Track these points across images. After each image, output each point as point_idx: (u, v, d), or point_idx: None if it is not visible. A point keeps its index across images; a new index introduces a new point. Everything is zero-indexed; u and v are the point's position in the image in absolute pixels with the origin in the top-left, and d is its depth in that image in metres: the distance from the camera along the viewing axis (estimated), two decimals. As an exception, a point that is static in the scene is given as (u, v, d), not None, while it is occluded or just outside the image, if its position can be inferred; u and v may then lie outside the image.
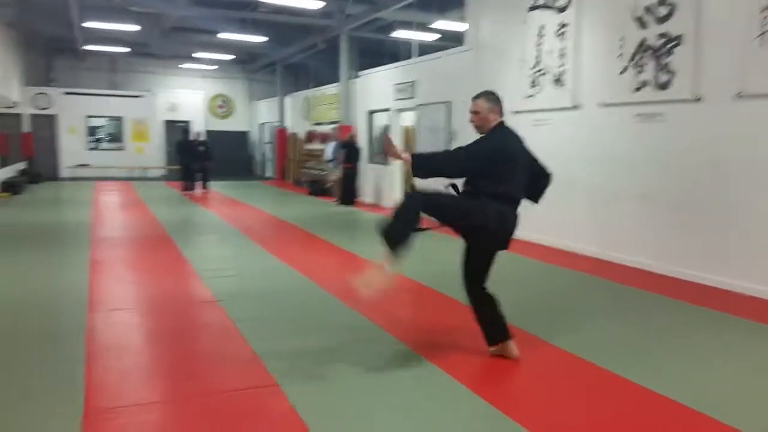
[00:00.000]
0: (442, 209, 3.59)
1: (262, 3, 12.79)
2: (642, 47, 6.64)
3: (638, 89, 6.71)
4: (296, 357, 3.80)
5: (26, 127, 18.69)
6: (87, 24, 14.12)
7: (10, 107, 17.47)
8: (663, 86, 6.43)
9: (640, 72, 6.68)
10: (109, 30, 15.24)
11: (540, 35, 8.17)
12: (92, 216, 10.31)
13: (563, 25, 7.77)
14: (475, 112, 3.76)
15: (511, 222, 3.69)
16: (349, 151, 12.74)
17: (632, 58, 6.76)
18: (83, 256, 6.83)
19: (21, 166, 17.13)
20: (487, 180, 3.57)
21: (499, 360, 3.82)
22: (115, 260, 6.76)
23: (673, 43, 6.28)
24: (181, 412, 3.07)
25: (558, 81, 7.90)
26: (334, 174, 13.64)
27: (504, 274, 6.38)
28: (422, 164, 3.63)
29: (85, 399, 3.14)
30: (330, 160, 13.84)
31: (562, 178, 7.88)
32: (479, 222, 3.55)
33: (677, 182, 6.38)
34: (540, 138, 8.24)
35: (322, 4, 11.65)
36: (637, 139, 6.81)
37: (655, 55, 6.50)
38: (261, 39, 15.77)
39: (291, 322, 4.54)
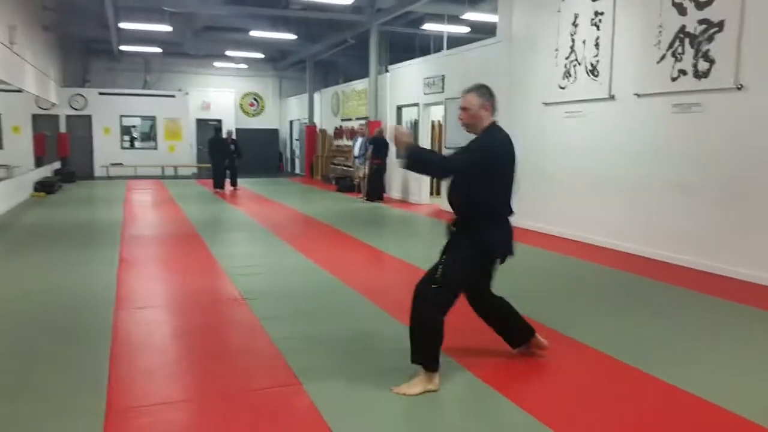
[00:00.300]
0: (457, 287, 3.29)
1: (293, 0, 12.79)
2: (681, 35, 6.38)
3: (676, 78, 6.45)
4: (320, 356, 3.72)
5: (63, 127, 19.08)
6: (122, 25, 14.32)
7: (48, 109, 17.86)
8: (702, 75, 6.17)
9: (678, 61, 6.42)
10: (143, 30, 15.45)
11: (574, 24, 7.94)
12: (123, 214, 10.43)
13: (598, 14, 7.53)
14: (464, 108, 3.34)
15: (510, 239, 3.42)
16: (377, 147, 12.64)
17: (670, 47, 6.50)
18: (113, 253, 6.87)
19: (56, 165, 17.48)
20: (482, 189, 3.25)
21: (528, 360, 3.68)
22: (144, 258, 6.78)
23: (714, 30, 6.01)
24: (205, 411, 3.01)
25: (592, 71, 7.66)
26: (361, 170, 13.57)
27: (538, 272, 6.28)
28: (415, 157, 3.19)
29: (108, 397, 3.10)
30: (358, 156, 13.76)
31: (596, 171, 7.70)
32: (493, 263, 3.45)
33: (718, 175, 6.11)
34: (572, 130, 8.06)
35: (352, -1, 11.58)
36: (675, 131, 6.56)
37: (694, 43, 6.23)
38: (291, 36, 15.77)
39: (317, 321, 4.46)
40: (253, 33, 15.41)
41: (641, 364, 3.60)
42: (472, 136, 3.35)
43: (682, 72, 6.37)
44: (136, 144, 20.83)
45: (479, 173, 3.21)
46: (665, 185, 6.69)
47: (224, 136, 15.35)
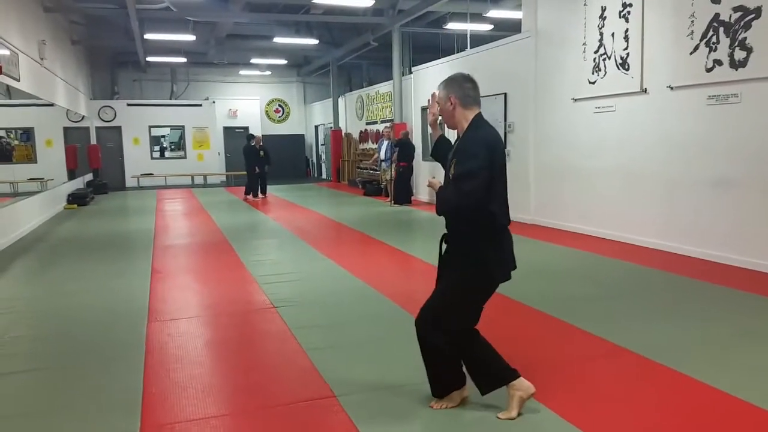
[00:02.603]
0: (463, 317, 2.95)
1: (314, 4, 12.79)
2: (714, 23, 6.17)
3: (711, 69, 6.24)
4: (354, 367, 3.65)
5: (93, 139, 19.41)
6: (147, 36, 14.50)
7: (79, 121, 18.19)
8: (739, 64, 5.95)
9: (712, 51, 6.21)
10: (168, 41, 15.63)
11: (602, 17, 7.76)
12: (155, 224, 10.53)
13: (626, 5, 7.34)
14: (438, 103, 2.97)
15: (511, 255, 2.95)
16: (402, 150, 12.55)
17: (704, 36, 6.30)
18: (145, 264, 6.91)
19: (88, 177, 17.78)
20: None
21: (566, 366, 3.56)
22: (176, 268, 6.81)
23: (751, 17, 5.80)
24: (240, 427, 2.96)
25: (623, 65, 7.47)
26: (388, 173, 13.49)
27: (572, 274, 6.13)
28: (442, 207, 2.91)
29: (142, 414, 3.08)
30: (384, 160, 13.69)
31: (629, 167, 7.50)
32: (494, 288, 2.95)
33: (758, 168, 5.88)
34: (603, 126, 7.87)
35: (373, 1, 11.52)
36: (711, 123, 6.34)
37: (729, 32, 6.02)
38: (313, 42, 15.79)
39: (349, 330, 4.39)
40: (277, 39, 15.46)
41: (683, 368, 3.45)
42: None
43: (718, 62, 6.16)
44: (166, 153, 21.09)
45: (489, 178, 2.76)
46: (702, 181, 6.48)
47: (252, 143, 15.41)
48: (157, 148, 20.96)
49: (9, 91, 10.90)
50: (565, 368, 3.56)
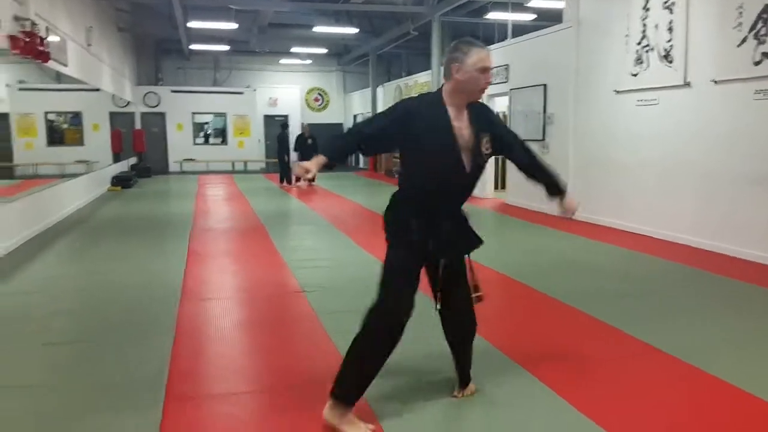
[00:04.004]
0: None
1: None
2: (764, 15, 5.95)
3: (759, 63, 6.02)
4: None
5: (138, 124, 19.91)
6: (190, 24, 14.76)
7: (124, 106, 18.70)
8: (789, 57, 5.73)
9: (761, 43, 5.99)
10: (211, 29, 15.89)
11: (645, 8, 7.56)
12: (194, 208, 10.76)
13: (671, -4, 7.13)
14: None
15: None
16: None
17: (752, 28, 6.08)
18: (183, 246, 7.08)
19: (133, 161, 18.27)
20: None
21: (591, 362, 3.52)
22: (212, 251, 6.95)
23: (802, 8, 5.57)
24: (261, 403, 3.03)
25: (666, 57, 7.27)
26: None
27: (605, 270, 6.03)
28: None
29: (167, 387, 3.17)
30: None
31: (670, 162, 7.31)
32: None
33: (806, 165, 5.66)
34: (645, 119, 7.69)
35: (413, -11, 11.48)
36: (757, 119, 6.13)
37: (779, 23, 5.79)
38: (352, 30, 15.82)
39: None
40: (316, 28, 15.53)
41: (714, 369, 3.37)
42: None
43: (766, 55, 5.94)
44: (208, 140, 21.47)
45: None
46: (745, 177, 6.27)
47: (300, 131, 15.49)
48: (200, 134, 21.36)
49: (59, 76, 11.29)
50: (591, 366, 3.51)
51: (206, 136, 21.39)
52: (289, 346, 3.88)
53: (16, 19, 7.24)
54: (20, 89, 16.87)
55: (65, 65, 9.63)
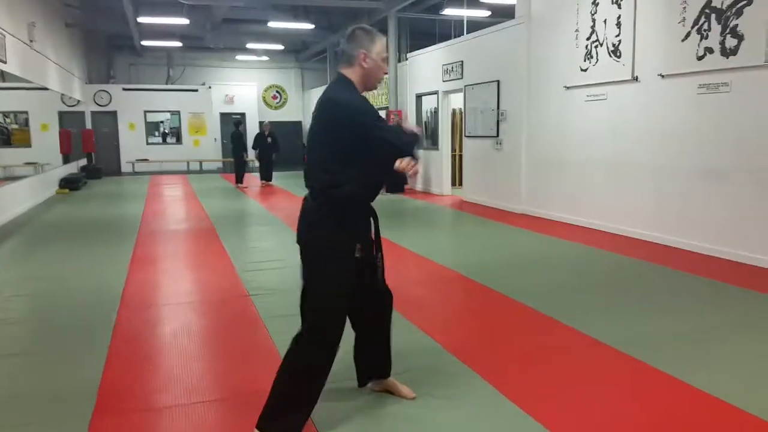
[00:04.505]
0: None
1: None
2: (706, 10, 6.03)
3: (702, 57, 6.11)
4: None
5: (88, 124, 19.29)
6: (141, 19, 14.34)
7: (74, 106, 18.07)
8: (730, 52, 5.82)
9: (704, 38, 6.08)
10: (163, 24, 15.47)
11: (594, 3, 7.61)
12: (143, 210, 10.44)
13: (618, -8, 7.19)
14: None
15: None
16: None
17: (695, 23, 6.16)
18: (127, 250, 6.83)
19: (83, 162, 17.69)
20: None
21: (541, 361, 3.48)
22: (156, 255, 6.72)
23: (743, 3, 5.66)
24: (199, 416, 2.88)
25: (615, 52, 7.33)
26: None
27: (556, 265, 6.04)
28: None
29: (96, 400, 3.00)
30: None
31: (618, 156, 7.38)
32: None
33: (749, 159, 5.77)
34: (595, 114, 7.76)
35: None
36: (702, 113, 6.22)
37: (721, 18, 5.88)
38: (308, 26, 15.63)
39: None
40: (272, 24, 15.28)
41: (659, 363, 3.37)
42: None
43: (709, 50, 6.03)
44: (161, 139, 20.94)
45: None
46: (693, 171, 6.36)
47: (239, 128, 15.23)
48: (155, 133, 20.81)
49: (2, 75, 10.81)
50: (537, 361, 3.47)
51: (163, 135, 20.86)
52: (230, 353, 3.73)
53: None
54: (-40, 89, 16.22)
55: (4, 62, 9.22)
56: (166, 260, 6.46)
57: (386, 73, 2.69)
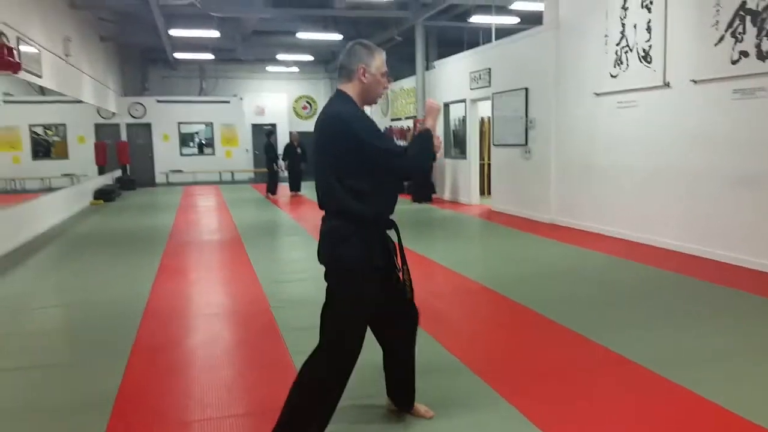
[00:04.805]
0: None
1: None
2: (741, 12, 5.83)
3: (737, 61, 5.90)
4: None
5: (123, 136, 19.70)
6: (172, 32, 14.60)
7: (109, 118, 18.52)
8: (767, 56, 5.59)
9: (738, 41, 5.87)
10: (194, 37, 15.72)
11: (624, 8, 7.44)
12: (174, 221, 10.57)
13: (648, -4, 7.01)
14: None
15: None
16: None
17: (729, 26, 5.95)
18: (154, 261, 6.89)
19: (117, 173, 18.06)
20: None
21: (565, 380, 3.35)
22: (183, 266, 6.77)
23: (779, 5, 5.44)
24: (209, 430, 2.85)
25: (645, 57, 7.14)
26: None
27: (582, 276, 5.87)
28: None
29: (112, 413, 3.00)
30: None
31: (649, 165, 7.17)
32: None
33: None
34: (625, 121, 7.57)
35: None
36: (736, 119, 6.00)
37: (757, 21, 5.67)
38: (336, 37, 15.70)
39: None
40: (300, 35, 15.40)
41: (688, 382, 3.21)
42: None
43: (744, 54, 5.82)
44: (195, 150, 21.27)
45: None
46: (726, 179, 6.13)
47: (271, 139, 15.36)
48: (191, 144, 21.14)
49: (42, 89, 11.10)
50: (561, 380, 3.35)
51: (199, 146, 21.19)
52: (250, 367, 3.70)
53: (-18, 30, 7.09)
54: (5, 101, 16.74)
55: (39, 76, 9.46)
56: (191, 271, 6.50)
57: (386, 88, 2.69)
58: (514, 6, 12.26)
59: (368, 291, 2.55)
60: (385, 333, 2.82)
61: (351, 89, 2.58)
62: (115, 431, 2.84)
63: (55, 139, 18.44)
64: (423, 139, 2.59)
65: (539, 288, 5.43)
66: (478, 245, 8.15)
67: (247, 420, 2.96)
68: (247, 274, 6.21)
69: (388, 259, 2.64)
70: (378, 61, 2.59)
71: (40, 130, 18.28)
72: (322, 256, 2.61)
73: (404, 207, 11.98)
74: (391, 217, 2.69)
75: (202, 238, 8.75)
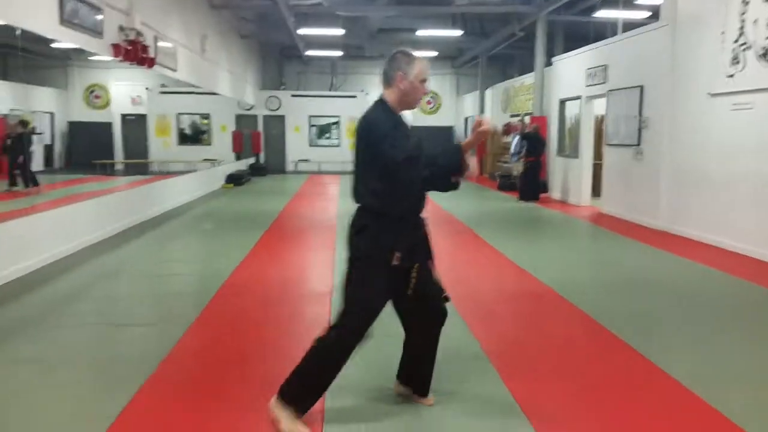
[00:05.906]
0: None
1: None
2: None
3: None
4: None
5: (260, 126, 21.19)
6: (300, 31, 15.45)
7: (249, 109, 20.05)
8: None
9: None
10: (323, 35, 16.50)
11: (745, 2, 6.81)
12: (285, 205, 11.26)
13: (770, -13, 6.37)
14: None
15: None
16: (530, 144, 12.05)
17: None
18: (250, 241, 7.43)
19: (251, 160, 19.47)
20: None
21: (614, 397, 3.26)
22: (274, 248, 7.25)
23: None
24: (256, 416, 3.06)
25: (765, 56, 6.50)
26: (517, 168, 13.06)
27: (664, 286, 5.52)
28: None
29: (151, 376, 3.35)
30: (513, 154, 13.29)
31: (766, 173, 6.52)
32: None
33: None
34: (741, 125, 6.95)
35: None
36: None
37: None
38: (457, 33, 15.71)
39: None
40: (420, 32, 15.60)
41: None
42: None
43: None
44: (322, 142, 22.33)
45: None
46: None
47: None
48: (325, 136, 22.21)
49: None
50: (596, 404, 3.20)
51: (317, 138, 22.26)
52: (297, 347, 3.97)
53: (121, 29, 8.03)
54: (161, 92, 18.75)
55: (174, 70, 10.49)
56: (280, 253, 6.94)
57: (426, 94, 2.84)
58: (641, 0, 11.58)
59: (377, 280, 2.73)
60: (411, 323, 2.96)
61: (390, 94, 2.79)
62: (144, 391, 3.22)
63: (203, 127, 20.40)
64: (445, 154, 2.78)
65: (613, 297, 5.17)
66: (566, 247, 7.75)
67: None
68: (329, 258, 6.51)
69: (404, 254, 2.73)
70: (416, 69, 2.75)
71: (187, 119, 20.32)
72: (346, 243, 2.84)
73: (508, 205, 11.78)
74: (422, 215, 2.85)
75: (302, 223, 9.26)
